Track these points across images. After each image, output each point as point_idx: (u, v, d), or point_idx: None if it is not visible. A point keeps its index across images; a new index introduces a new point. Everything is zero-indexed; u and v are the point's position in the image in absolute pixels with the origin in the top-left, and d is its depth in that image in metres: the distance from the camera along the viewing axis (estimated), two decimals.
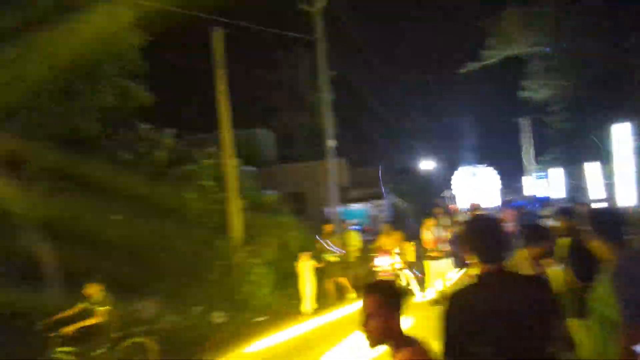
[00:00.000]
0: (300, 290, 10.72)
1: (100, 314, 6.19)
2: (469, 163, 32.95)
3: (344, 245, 12.32)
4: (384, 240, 10.95)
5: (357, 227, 15.14)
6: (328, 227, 12.10)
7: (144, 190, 12.35)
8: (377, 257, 10.64)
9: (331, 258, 11.45)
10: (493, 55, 24.29)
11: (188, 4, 11.74)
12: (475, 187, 29.39)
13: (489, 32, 23.86)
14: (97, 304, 6.25)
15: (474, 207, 12.70)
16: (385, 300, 2.15)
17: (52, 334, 5.91)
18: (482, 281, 2.35)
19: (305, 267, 10.58)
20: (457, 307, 2.29)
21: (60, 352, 5.90)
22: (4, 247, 10.64)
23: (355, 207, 18.68)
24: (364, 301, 2.20)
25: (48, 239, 10.72)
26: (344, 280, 11.45)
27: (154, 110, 12.17)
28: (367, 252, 11.92)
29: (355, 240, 12.83)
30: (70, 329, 6.00)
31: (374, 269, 10.60)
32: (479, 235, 2.40)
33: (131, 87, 11.36)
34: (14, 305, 8.61)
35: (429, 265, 10.29)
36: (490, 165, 31.95)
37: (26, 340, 6.76)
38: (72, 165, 11.38)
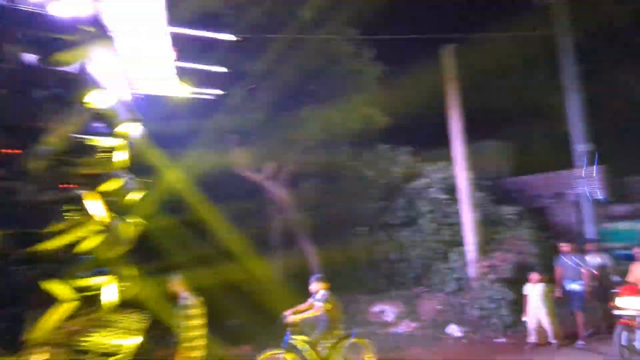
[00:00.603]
0: (527, 316, 9.21)
1: (320, 309, 6.74)
2: None
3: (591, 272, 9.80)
4: (637, 272, 8.42)
5: (624, 253, 11.55)
6: (567, 247, 9.58)
7: (384, 203, 13.91)
8: (621, 295, 7.56)
9: (573, 286, 9.16)
10: None
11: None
12: None
13: None
14: (317, 300, 6.83)
15: None
16: None
17: (288, 322, 6.67)
18: None
19: (536, 291, 9.02)
20: None
21: (293, 338, 6.73)
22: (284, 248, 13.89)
23: (623, 226, 15.10)
24: None
25: (315, 242, 13.42)
26: (578, 316, 9.14)
27: (392, 131, 13.56)
28: (612, 284, 8.81)
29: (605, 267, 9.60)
30: (297, 319, 6.66)
31: (614, 310, 7.65)
32: None
33: (373, 113, 12.98)
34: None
35: None
36: None
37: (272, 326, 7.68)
38: (330, 183, 13.97)
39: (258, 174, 13.13)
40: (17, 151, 3.33)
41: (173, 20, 4.36)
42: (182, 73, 5.31)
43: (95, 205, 4.03)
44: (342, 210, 13.93)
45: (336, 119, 12.73)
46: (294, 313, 6.84)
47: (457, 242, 12.34)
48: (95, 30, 3.09)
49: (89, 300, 3.72)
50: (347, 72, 12.87)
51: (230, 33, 11.09)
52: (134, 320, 4.80)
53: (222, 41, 11.19)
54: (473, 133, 12.83)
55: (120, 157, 4.00)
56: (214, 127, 12.09)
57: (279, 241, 13.81)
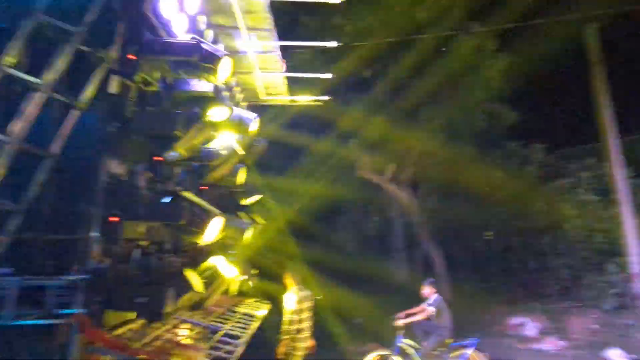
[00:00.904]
0: None
1: (426, 313, 6.54)
2: None
3: None
4: None
5: None
6: None
7: (516, 206, 12.71)
8: None
9: None
10: None
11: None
12: None
13: None
14: (429, 304, 6.65)
15: None
16: None
17: (398, 326, 6.58)
18: None
19: None
20: None
21: (403, 342, 6.65)
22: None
23: None
24: None
25: (438, 246, 12.96)
26: None
27: (522, 127, 12.35)
28: None
29: None
30: (406, 322, 6.51)
31: None
32: None
33: (498, 109, 12.04)
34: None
35: None
36: None
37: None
38: (453, 185, 13.33)
39: (380, 176, 13.20)
40: (160, 158, 4.06)
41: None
42: (296, 82, 5.75)
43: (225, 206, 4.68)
44: (468, 213, 13.18)
45: (458, 117, 12.15)
46: (406, 316, 6.72)
47: (615, 252, 10.63)
48: (212, 52, 3.60)
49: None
50: (468, 68, 12.20)
51: (344, 38, 11.61)
52: (255, 307, 5.35)
53: (343, 48, 11.77)
54: (627, 124, 10.96)
55: (239, 163, 4.51)
56: (336, 133, 12.62)
57: (401, 244, 13.68)
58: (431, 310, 6.56)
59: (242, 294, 5.93)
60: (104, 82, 3.72)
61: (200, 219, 3.67)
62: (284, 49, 4.57)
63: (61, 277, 3.43)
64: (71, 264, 3.60)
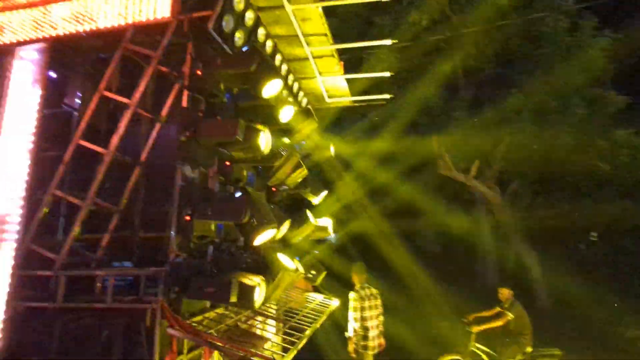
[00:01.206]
0: None
1: (503, 319, 6.14)
2: None
3: None
4: None
5: None
6: None
7: (627, 202, 11.19)
8: None
9: None
10: None
11: None
12: None
13: None
14: (506, 308, 6.24)
15: None
16: None
17: (472, 328, 6.26)
18: None
19: None
20: None
21: (477, 347, 6.32)
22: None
23: None
24: None
25: (533, 248, 11.95)
26: None
27: (632, 113, 10.84)
28: None
29: None
30: (480, 328, 6.18)
31: None
32: None
33: (601, 94, 10.75)
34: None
35: None
36: None
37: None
38: (549, 180, 12.18)
39: (463, 174, 12.60)
40: (229, 163, 4.47)
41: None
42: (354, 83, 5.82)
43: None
44: (568, 211, 11.93)
45: (552, 105, 11.08)
46: (476, 318, 6.37)
47: None
48: (269, 59, 3.88)
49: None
50: (564, 49, 11.08)
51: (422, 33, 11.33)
52: (323, 304, 5.53)
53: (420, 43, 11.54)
54: None
55: (301, 164, 4.73)
56: (416, 131, 12.34)
57: (490, 245, 12.85)
58: (509, 315, 6.15)
59: (313, 290, 6.16)
60: (179, 97, 4.21)
61: (261, 219, 3.95)
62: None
63: (148, 269, 3.97)
64: (157, 257, 4.15)
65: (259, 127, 4.01)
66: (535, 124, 11.46)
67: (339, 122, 11.36)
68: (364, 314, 5.75)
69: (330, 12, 11.77)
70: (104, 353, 3.84)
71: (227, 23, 4.15)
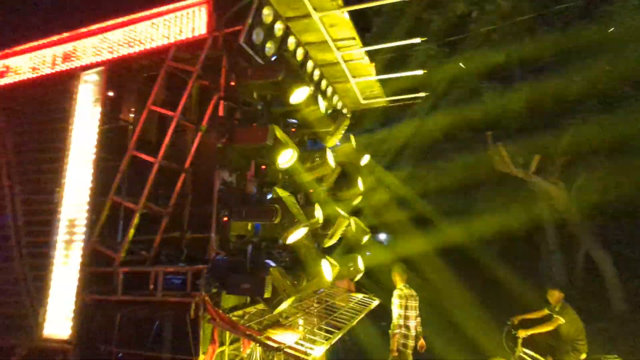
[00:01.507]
0: None
1: (553, 323, 5.81)
2: None
3: None
4: None
5: None
6: None
7: None
8: None
9: None
10: None
11: None
12: None
13: None
14: (556, 312, 5.91)
15: None
16: None
17: (518, 333, 5.98)
18: None
19: None
20: None
21: (524, 352, 5.99)
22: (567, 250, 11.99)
23: None
24: None
25: (605, 247, 11.04)
26: None
27: None
28: None
29: None
30: (528, 332, 5.92)
31: None
32: None
33: None
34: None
35: None
36: None
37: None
38: (622, 174, 11.17)
39: (522, 169, 11.95)
40: (264, 167, 4.74)
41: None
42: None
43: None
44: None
45: (623, 90, 10.19)
46: (522, 321, 6.07)
47: None
48: (296, 67, 4.08)
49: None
50: (634, 30, 10.12)
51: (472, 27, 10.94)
52: (362, 302, 5.63)
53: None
54: None
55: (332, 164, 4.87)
56: (468, 126, 11.95)
57: (555, 245, 12.04)
58: (560, 320, 5.82)
59: (356, 289, 6.28)
60: (216, 107, 4.56)
61: (292, 219, 4.16)
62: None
63: (193, 266, 4.34)
64: (204, 256, 4.52)
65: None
66: (603, 112, 10.61)
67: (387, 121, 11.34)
68: (407, 313, 5.80)
69: (376, 12, 11.85)
70: (156, 341, 4.27)
71: (257, 35, 4.42)
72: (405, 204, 11.43)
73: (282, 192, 4.42)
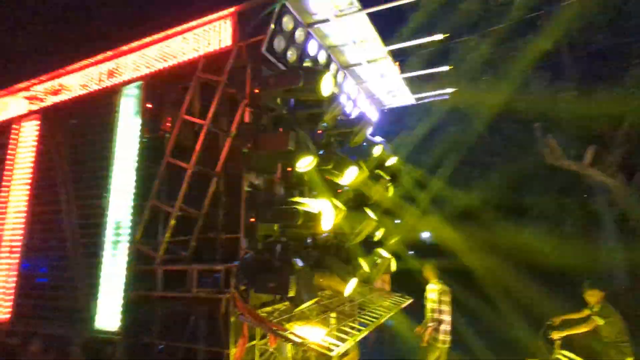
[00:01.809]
0: None
1: (590, 324, 5.52)
2: None
3: None
4: None
5: None
6: None
7: None
8: None
9: None
10: None
11: None
12: None
13: None
14: (596, 312, 5.55)
15: None
16: None
17: (552, 334, 5.76)
18: None
19: None
20: None
21: (562, 354, 5.70)
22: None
23: None
24: None
25: None
26: None
27: None
28: None
29: None
30: (561, 334, 5.67)
31: None
32: None
33: None
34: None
35: None
36: None
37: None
38: None
39: (577, 162, 11.24)
40: (290, 169, 4.90)
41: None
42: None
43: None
44: None
45: None
46: (564, 321, 5.76)
47: None
48: (311, 73, 4.20)
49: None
50: None
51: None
52: (394, 301, 5.64)
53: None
54: None
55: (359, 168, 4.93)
56: (514, 120, 11.46)
57: (614, 241, 11.23)
58: (598, 321, 5.49)
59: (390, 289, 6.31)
60: (243, 113, 4.79)
61: (312, 221, 4.30)
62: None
63: (224, 265, 4.61)
64: (232, 255, 4.79)
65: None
66: None
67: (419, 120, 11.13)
68: (441, 307, 5.81)
69: (412, 7, 11.65)
70: (191, 335, 4.59)
71: (279, 43, 4.59)
72: (447, 203, 11.18)
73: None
